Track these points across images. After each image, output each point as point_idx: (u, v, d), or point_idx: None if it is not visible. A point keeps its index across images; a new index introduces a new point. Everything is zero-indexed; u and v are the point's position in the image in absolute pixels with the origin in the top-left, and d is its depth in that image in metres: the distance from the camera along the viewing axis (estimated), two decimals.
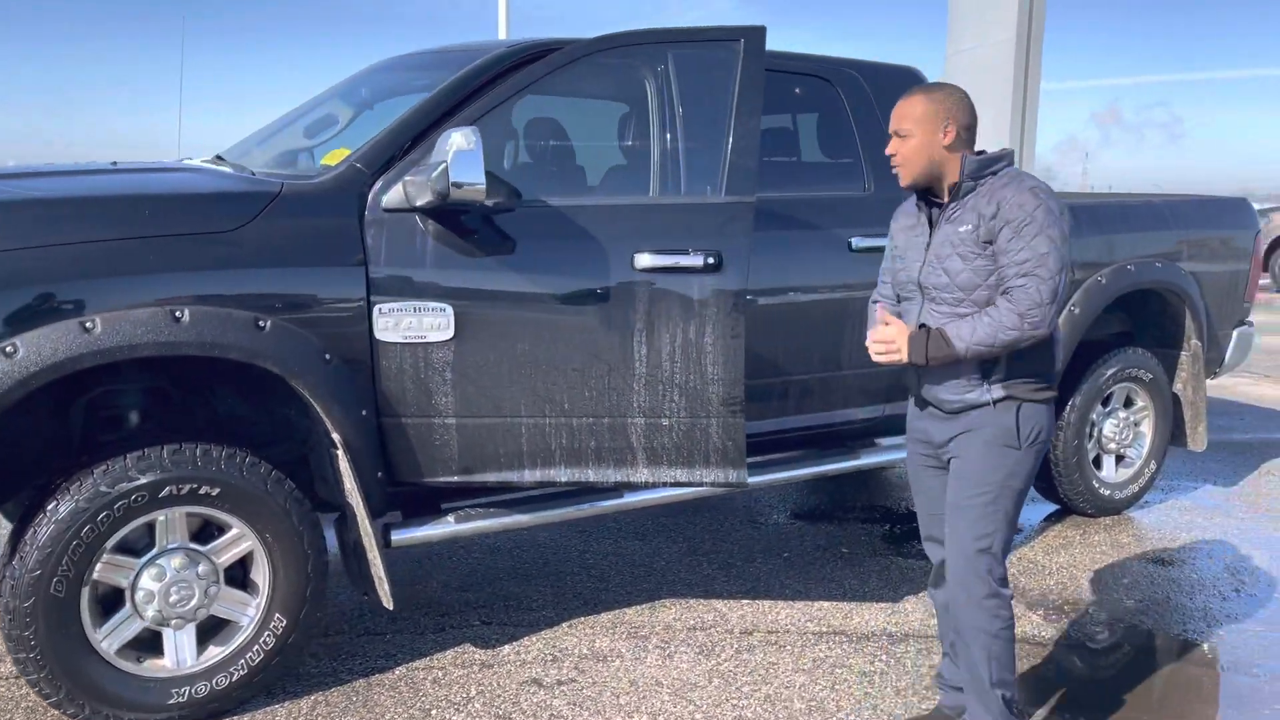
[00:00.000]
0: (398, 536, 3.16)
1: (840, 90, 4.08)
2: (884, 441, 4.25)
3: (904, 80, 4.30)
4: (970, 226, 2.51)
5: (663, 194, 3.27)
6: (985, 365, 2.55)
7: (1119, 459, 5.00)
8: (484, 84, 3.18)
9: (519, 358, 3.06)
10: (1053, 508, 5.02)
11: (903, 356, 2.58)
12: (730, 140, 3.10)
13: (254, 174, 3.25)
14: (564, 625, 3.60)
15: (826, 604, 3.82)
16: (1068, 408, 4.69)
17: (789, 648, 3.46)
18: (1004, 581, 2.64)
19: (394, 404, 3.05)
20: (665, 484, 3.21)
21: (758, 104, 3.11)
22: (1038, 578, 4.14)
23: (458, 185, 2.73)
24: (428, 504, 3.35)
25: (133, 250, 2.71)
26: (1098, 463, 4.93)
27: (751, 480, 3.57)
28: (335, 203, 2.99)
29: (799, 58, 4.04)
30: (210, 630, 2.98)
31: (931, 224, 2.64)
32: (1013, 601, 2.66)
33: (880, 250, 3.91)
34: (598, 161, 3.58)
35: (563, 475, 3.19)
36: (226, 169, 3.37)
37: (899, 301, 2.77)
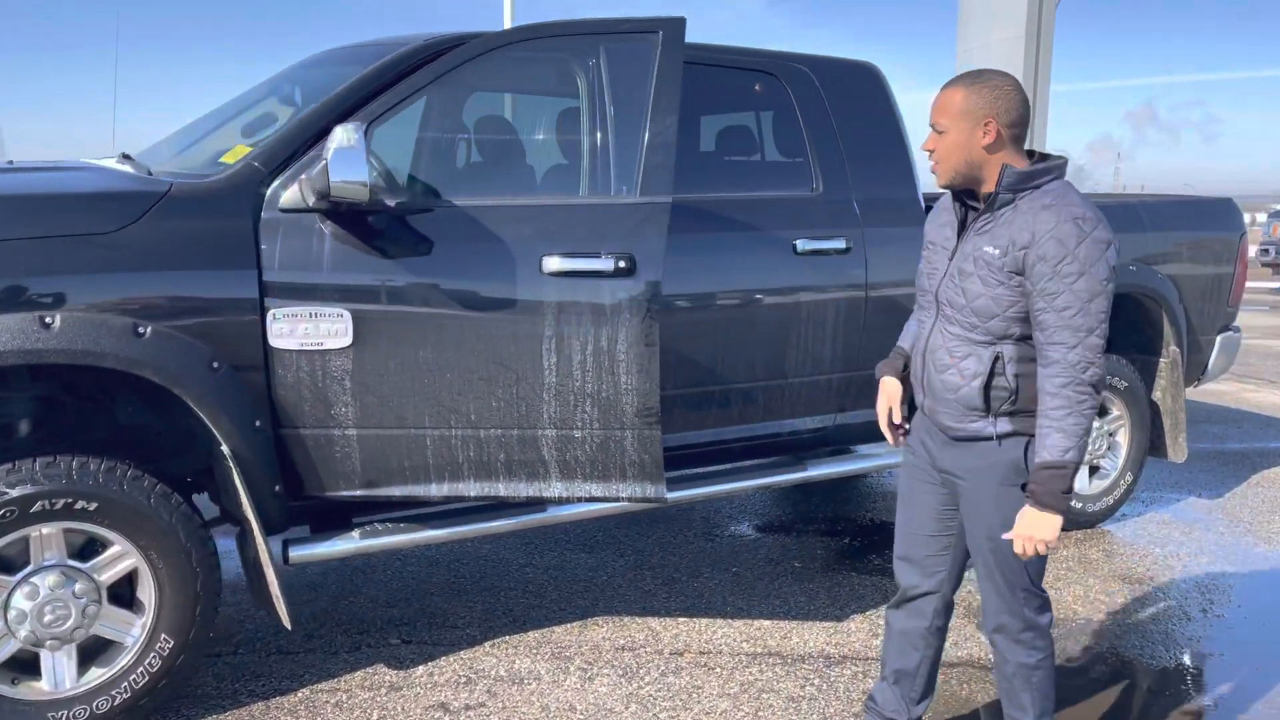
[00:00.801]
0: (297, 553, 3.01)
1: (788, 86, 3.90)
2: (863, 449, 4.11)
3: (857, 76, 4.13)
4: (998, 251, 2.24)
5: (577, 194, 3.11)
6: (989, 395, 2.32)
7: (1093, 470, 4.80)
8: (393, 79, 3.02)
9: (422, 366, 2.91)
10: None
11: (1051, 536, 2.22)
12: (646, 137, 2.94)
13: (150, 173, 3.11)
14: (486, 644, 3.45)
15: (767, 623, 3.65)
16: None
17: (719, 670, 3.29)
18: (1042, 608, 2.46)
19: (291, 415, 2.91)
20: (580, 499, 3.05)
21: (675, 99, 2.94)
22: None
23: (339, 184, 2.58)
24: (340, 518, 3.22)
25: (2, 253, 2.57)
26: None
27: (675, 495, 3.41)
28: (227, 203, 2.85)
29: (745, 52, 3.87)
30: (97, 650, 2.84)
31: (962, 230, 2.38)
32: (1050, 630, 2.50)
33: (826, 253, 3.79)
34: (513, 160, 3.42)
35: (472, 490, 3.04)
36: (126, 169, 3.22)
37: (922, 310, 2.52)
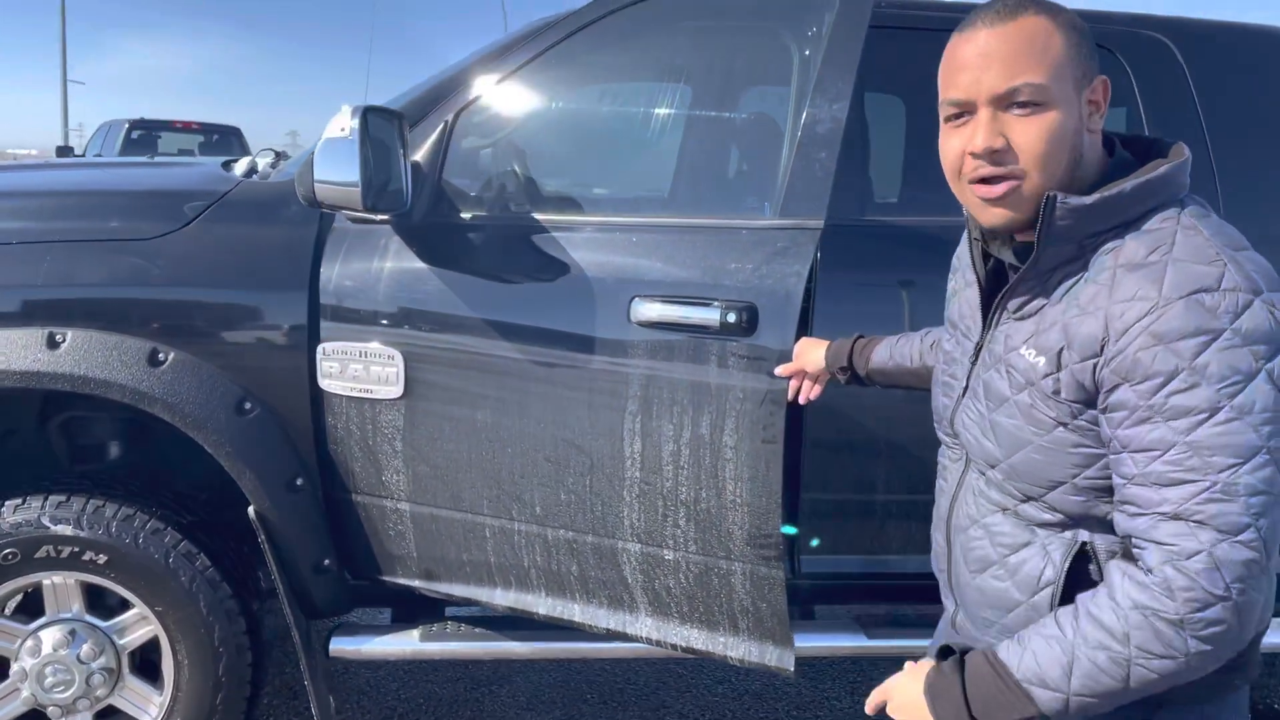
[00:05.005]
0: (338, 646, 2.42)
1: (1129, 65, 2.66)
2: None
3: (1254, 51, 2.76)
4: (1044, 358, 1.15)
5: (698, 212, 2.20)
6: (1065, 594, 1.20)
7: None
8: (495, 60, 2.33)
9: (480, 433, 2.19)
10: None
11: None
12: (799, 133, 1.97)
13: (254, 173, 2.67)
14: None
15: None
16: None
17: None
18: None
19: (343, 475, 2.33)
20: (676, 648, 2.15)
21: (848, 78, 1.94)
22: None
23: (323, 184, 1.94)
24: (428, 607, 2.60)
25: (20, 256, 2.25)
26: None
27: (819, 644, 2.33)
28: (291, 209, 2.33)
29: None
30: None
31: (986, 309, 1.28)
32: None
33: None
34: (617, 165, 2.55)
35: (541, 606, 2.26)
36: (236, 170, 2.80)
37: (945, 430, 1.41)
